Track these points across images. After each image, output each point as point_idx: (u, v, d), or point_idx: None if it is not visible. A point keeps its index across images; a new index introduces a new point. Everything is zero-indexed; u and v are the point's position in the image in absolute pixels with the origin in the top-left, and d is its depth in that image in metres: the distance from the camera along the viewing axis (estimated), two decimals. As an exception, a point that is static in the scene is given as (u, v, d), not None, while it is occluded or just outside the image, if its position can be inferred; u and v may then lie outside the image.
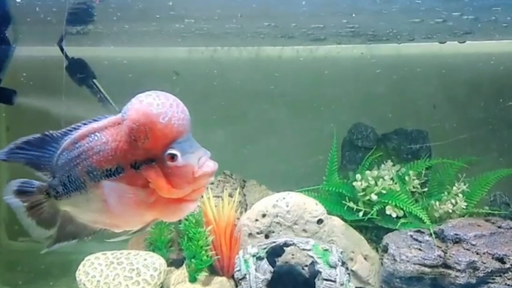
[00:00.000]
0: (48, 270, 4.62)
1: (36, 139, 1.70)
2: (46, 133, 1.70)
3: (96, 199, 1.63)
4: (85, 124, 1.65)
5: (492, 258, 3.44)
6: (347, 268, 3.37)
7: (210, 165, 1.55)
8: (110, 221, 1.69)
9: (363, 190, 4.03)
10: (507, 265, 3.40)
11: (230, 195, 4.06)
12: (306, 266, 3.59)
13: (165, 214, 1.65)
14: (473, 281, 3.41)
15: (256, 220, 3.78)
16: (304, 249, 3.45)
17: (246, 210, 4.17)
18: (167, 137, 1.51)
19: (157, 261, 3.64)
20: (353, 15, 4.23)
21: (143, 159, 1.54)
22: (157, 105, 1.49)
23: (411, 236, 3.69)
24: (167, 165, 1.52)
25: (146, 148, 1.52)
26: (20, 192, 1.74)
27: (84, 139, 1.63)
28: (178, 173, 1.53)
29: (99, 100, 4.43)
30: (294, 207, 3.76)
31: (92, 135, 1.61)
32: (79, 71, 4.38)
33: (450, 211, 3.97)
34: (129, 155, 1.55)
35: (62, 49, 4.33)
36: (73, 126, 1.67)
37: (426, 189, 4.24)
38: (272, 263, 3.45)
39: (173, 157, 1.52)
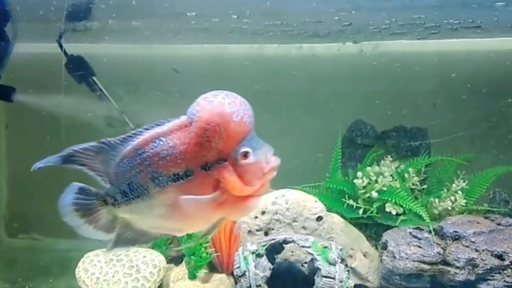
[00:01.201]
0: (47, 267, 4.63)
1: (93, 146, 1.65)
2: (103, 140, 1.65)
3: (160, 204, 1.60)
4: (146, 129, 1.61)
5: (491, 255, 3.45)
6: (346, 265, 3.37)
7: (275, 160, 1.56)
8: (174, 225, 1.66)
9: (364, 187, 4.04)
10: (506, 262, 3.40)
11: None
12: (306, 263, 3.60)
13: (233, 212, 1.62)
14: (472, 278, 3.42)
15: (256, 217, 3.78)
16: (303, 246, 3.45)
17: (245, 207, 4.17)
18: (239, 136, 1.50)
19: (157, 258, 3.64)
20: (353, 12, 4.23)
21: (215, 159, 1.52)
22: (228, 104, 1.49)
23: (410, 233, 3.70)
24: (239, 163, 1.52)
25: (219, 148, 1.50)
26: (77, 199, 1.70)
27: (147, 145, 1.58)
28: (250, 170, 1.53)
29: (98, 97, 4.44)
30: (294, 204, 3.76)
31: (157, 141, 1.57)
32: (78, 68, 4.38)
33: (450, 208, 3.97)
34: (199, 156, 1.52)
35: (61, 46, 4.33)
36: (132, 132, 1.62)
37: (425, 186, 4.25)
38: (271, 260, 3.45)
39: (245, 154, 1.52)
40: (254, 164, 1.52)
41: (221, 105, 1.48)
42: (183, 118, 1.55)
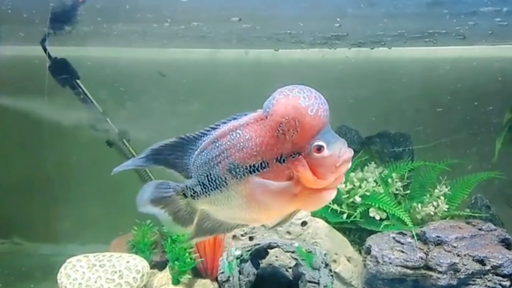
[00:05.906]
0: (29, 272, 4.56)
1: (173, 142, 1.72)
2: (182, 136, 1.71)
3: (237, 195, 1.66)
4: (224, 123, 1.67)
5: (473, 260, 3.49)
6: (330, 270, 3.38)
7: (348, 153, 1.58)
8: (251, 216, 1.70)
9: (347, 192, 4.06)
10: (487, 267, 3.45)
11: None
12: (290, 268, 3.60)
13: (308, 204, 1.67)
14: (454, 282, 3.45)
15: (240, 222, 3.77)
16: (288, 251, 3.46)
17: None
18: (314, 129, 1.54)
19: (140, 263, 3.60)
20: (338, 19, 4.26)
21: (289, 152, 1.57)
22: (303, 98, 1.53)
23: (393, 238, 3.72)
24: (313, 157, 1.55)
25: (293, 141, 1.55)
26: (156, 195, 1.77)
27: (224, 137, 1.64)
28: (324, 163, 1.56)
29: (82, 100, 4.40)
30: (278, 209, 3.76)
31: (233, 133, 1.63)
32: (62, 71, 4.34)
33: (432, 213, 4.01)
34: (275, 149, 1.57)
35: (45, 49, 4.29)
36: (210, 126, 1.68)
37: (408, 192, 4.28)
38: (256, 265, 3.44)
39: (319, 148, 1.55)
40: (327, 158, 1.56)
41: (296, 99, 1.53)
42: (259, 112, 1.60)
